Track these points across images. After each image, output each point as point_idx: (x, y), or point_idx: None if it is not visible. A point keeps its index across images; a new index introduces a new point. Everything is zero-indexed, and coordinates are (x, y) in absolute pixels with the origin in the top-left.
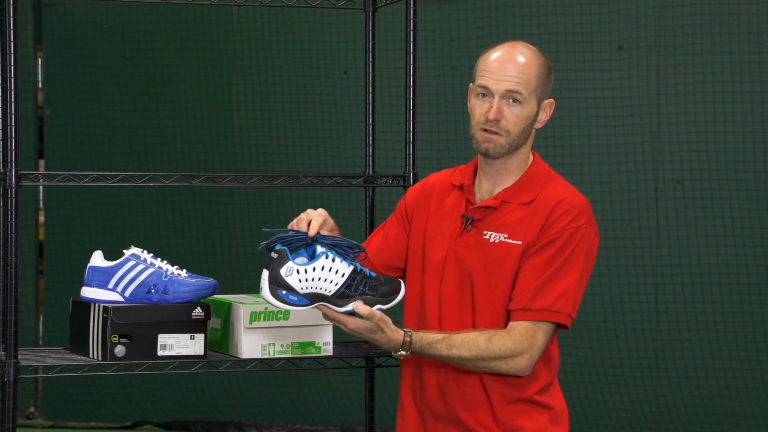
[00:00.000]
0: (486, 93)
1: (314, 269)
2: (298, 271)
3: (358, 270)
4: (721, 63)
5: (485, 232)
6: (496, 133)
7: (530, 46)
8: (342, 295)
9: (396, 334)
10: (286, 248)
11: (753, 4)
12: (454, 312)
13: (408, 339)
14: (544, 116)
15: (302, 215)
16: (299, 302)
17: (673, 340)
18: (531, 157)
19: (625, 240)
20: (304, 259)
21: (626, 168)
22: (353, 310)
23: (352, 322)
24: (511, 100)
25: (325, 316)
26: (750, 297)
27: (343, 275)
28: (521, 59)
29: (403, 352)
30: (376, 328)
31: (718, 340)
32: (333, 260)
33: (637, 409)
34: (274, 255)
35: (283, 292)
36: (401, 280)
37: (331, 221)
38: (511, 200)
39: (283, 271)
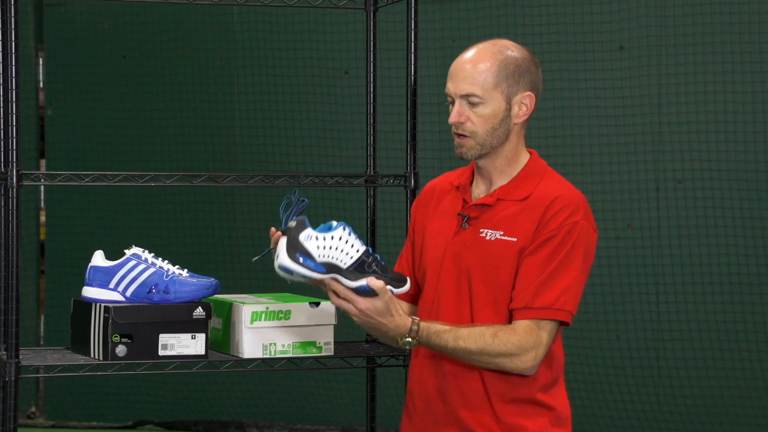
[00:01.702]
0: (450, 99)
1: (332, 238)
2: (316, 238)
3: (371, 252)
4: (723, 63)
5: (482, 230)
6: (465, 137)
7: (500, 41)
8: (356, 269)
9: (404, 319)
10: (305, 217)
11: (754, 4)
12: (450, 310)
13: (415, 327)
14: (522, 110)
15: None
16: (316, 268)
17: (674, 340)
18: (527, 156)
19: (626, 240)
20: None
21: (627, 168)
22: (366, 284)
23: (363, 302)
24: (470, 102)
25: (334, 295)
26: (751, 297)
27: (357, 251)
28: (477, 59)
29: (410, 339)
30: (385, 309)
31: (719, 339)
32: (350, 234)
33: (638, 409)
34: (293, 223)
35: (301, 257)
36: (408, 278)
37: None
38: (507, 197)
39: (302, 237)
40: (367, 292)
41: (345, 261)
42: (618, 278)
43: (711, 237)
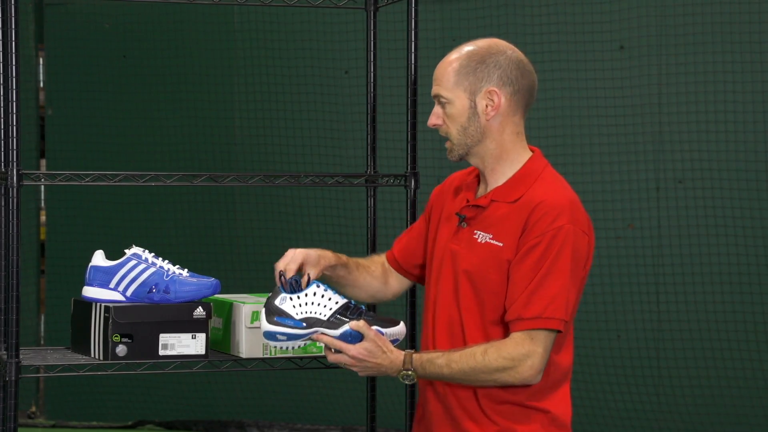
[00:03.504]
0: None
1: (306, 295)
2: (291, 299)
3: (353, 303)
4: (723, 62)
5: (475, 231)
6: (447, 139)
7: (477, 41)
8: (337, 319)
9: (396, 354)
10: (279, 285)
11: (755, 4)
12: (444, 311)
13: (409, 358)
14: (491, 105)
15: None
16: (296, 325)
17: (674, 340)
18: (527, 154)
19: (626, 240)
20: None
21: (627, 167)
22: (349, 329)
23: (353, 348)
24: (440, 103)
25: (327, 350)
26: (751, 296)
27: (336, 302)
28: (446, 60)
29: (410, 372)
30: (376, 348)
31: (719, 339)
32: (325, 290)
33: (639, 409)
34: (270, 293)
35: (280, 318)
36: (401, 321)
37: (313, 255)
38: (500, 199)
39: (277, 301)
40: (354, 337)
41: (324, 313)
42: (618, 278)
43: (711, 237)
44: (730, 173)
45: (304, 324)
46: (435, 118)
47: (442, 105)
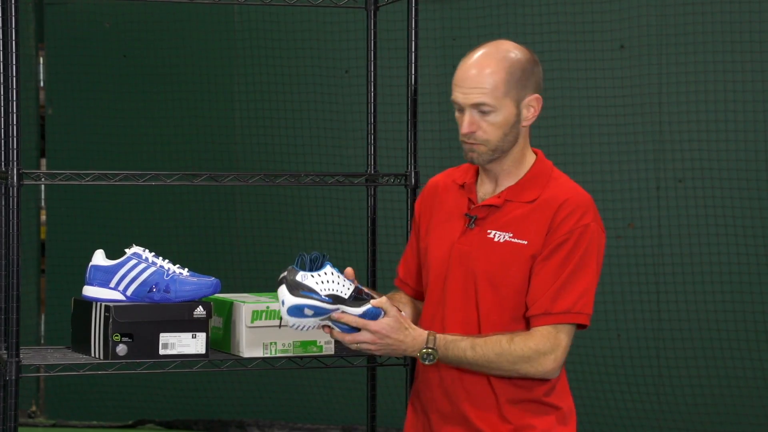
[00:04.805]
0: (459, 107)
1: (326, 273)
2: (312, 276)
3: (360, 286)
4: (723, 62)
5: (489, 231)
6: (476, 144)
7: (503, 45)
8: (356, 298)
9: (419, 331)
10: (293, 265)
11: (755, 3)
12: (457, 311)
13: (432, 337)
14: (530, 113)
15: None
16: (324, 299)
17: (674, 339)
18: (533, 156)
19: (626, 239)
20: None
21: (628, 167)
22: (371, 307)
23: (374, 324)
24: (481, 111)
25: (341, 333)
26: (752, 296)
27: (351, 282)
28: (485, 67)
29: (430, 350)
30: (398, 325)
31: (719, 338)
32: (337, 271)
33: (639, 408)
34: (284, 273)
35: (306, 293)
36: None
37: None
38: (514, 199)
39: (299, 278)
40: (374, 316)
41: (345, 292)
42: (619, 277)
43: (711, 236)
44: (731, 172)
45: (331, 300)
46: (472, 125)
47: (485, 112)
